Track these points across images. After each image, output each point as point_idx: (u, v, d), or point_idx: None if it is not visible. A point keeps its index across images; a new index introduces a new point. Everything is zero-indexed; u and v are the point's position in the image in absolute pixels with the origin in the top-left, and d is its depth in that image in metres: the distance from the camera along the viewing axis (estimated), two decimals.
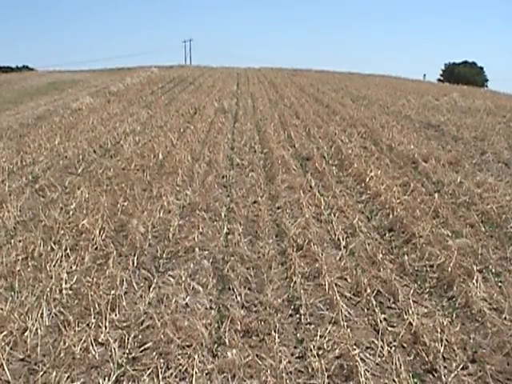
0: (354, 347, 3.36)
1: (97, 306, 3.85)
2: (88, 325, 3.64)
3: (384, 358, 3.32)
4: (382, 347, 3.41)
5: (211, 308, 3.91)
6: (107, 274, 4.34)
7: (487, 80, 47.75)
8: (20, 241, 5.13)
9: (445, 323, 3.67)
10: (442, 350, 3.37)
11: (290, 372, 3.19)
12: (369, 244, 5.13)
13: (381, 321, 3.71)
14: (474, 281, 4.25)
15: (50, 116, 14.78)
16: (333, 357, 3.31)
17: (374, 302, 3.99)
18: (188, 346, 3.37)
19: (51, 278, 4.25)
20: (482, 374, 3.23)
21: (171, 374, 3.14)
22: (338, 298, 3.98)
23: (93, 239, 5.16)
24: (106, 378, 3.09)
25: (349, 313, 3.85)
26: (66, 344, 3.39)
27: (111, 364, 3.23)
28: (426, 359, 3.33)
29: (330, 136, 10.89)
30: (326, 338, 3.49)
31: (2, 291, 4.13)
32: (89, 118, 13.73)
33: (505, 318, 3.81)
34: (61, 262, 4.60)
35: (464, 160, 8.79)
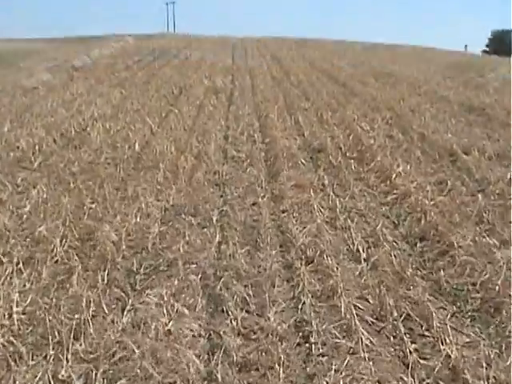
0: None
1: (57, 333, 3.83)
2: (45, 357, 3.63)
3: None
4: None
5: (200, 335, 3.90)
6: (70, 294, 4.33)
7: None
8: None
9: (491, 356, 3.67)
10: None
11: None
12: (395, 256, 5.12)
13: (411, 352, 3.70)
14: None
15: None
16: None
17: (402, 329, 3.98)
18: None
19: None
20: None
21: None
22: (358, 323, 3.98)
23: (52, 250, 5.14)
24: None
25: (371, 342, 3.84)
26: (17, 383, 3.37)
27: None
28: None
29: (348, 122, 10.88)
30: (343, 374, 3.48)
31: None
32: (47, 98, 13.71)
33: None
34: (11, 278, 4.58)
35: None
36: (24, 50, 31.21)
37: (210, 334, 3.90)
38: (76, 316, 4.00)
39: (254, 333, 3.95)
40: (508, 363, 3.65)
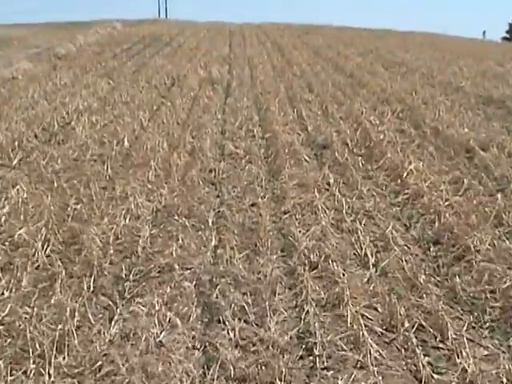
0: None
1: (38, 346, 3.83)
2: (25, 372, 3.63)
3: None
4: None
5: (194, 348, 3.91)
6: (53, 303, 4.33)
7: None
8: None
9: None
10: None
11: None
12: (407, 261, 5.13)
13: (424, 366, 3.71)
14: None
15: None
16: None
17: (415, 341, 3.98)
18: None
19: None
20: None
21: None
22: (366, 333, 3.98)
23: (33, 255, 5.14)
24: None
25: (380, 354, 3.85)
26: None
27: None
28: None
29: (355, 116, 10.89)
30: None
31: None
32: (27, 90, 13.70)
33: None
34: None
35: None
36: (2, 36, 31.16)
37: (206, 346, 3.90)
38: (59, 327, 3.98)
39: (253, 345, 3.95)
40: None
